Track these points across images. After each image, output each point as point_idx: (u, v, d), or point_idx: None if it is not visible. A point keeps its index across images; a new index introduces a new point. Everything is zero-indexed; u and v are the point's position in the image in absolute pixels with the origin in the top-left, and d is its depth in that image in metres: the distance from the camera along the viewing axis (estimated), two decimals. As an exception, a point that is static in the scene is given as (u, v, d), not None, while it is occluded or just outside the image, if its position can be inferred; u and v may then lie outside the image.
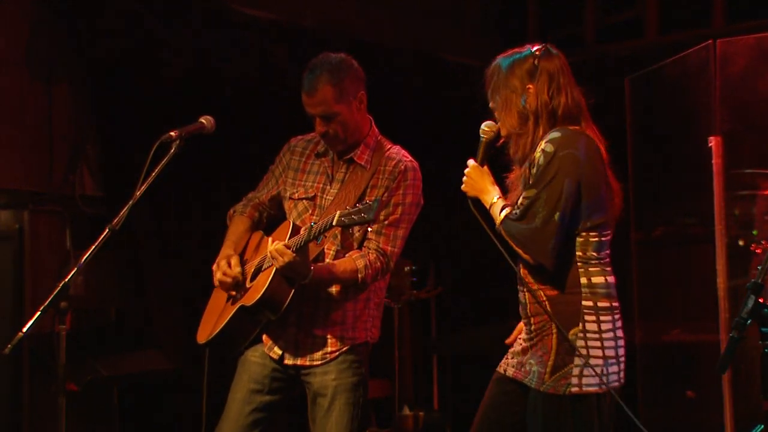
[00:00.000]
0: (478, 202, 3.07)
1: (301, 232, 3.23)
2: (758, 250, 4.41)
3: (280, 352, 3.41)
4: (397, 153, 3.46)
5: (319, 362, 3.38)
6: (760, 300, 2.57)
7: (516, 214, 2.94)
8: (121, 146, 5.05)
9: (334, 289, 3.38)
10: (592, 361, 2.88)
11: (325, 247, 3.37)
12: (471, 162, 3.10)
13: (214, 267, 3.45)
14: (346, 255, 3.36)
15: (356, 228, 3.34)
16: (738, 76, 4.47)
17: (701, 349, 4.83)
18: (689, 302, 5.14)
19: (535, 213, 2.88)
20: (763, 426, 3.44)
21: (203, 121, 3.33)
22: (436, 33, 6.15)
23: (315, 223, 3.19)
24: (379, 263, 3.34)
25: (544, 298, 2.96)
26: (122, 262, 5.12)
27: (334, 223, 3.11)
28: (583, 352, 2.88)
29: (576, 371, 2.88)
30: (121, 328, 5.11)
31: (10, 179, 4.73)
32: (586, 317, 2.92)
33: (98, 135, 5.07)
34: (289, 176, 3.53)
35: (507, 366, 3.09)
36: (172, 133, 3.18)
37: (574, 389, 2.88)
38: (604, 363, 2.91)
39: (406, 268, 5.12)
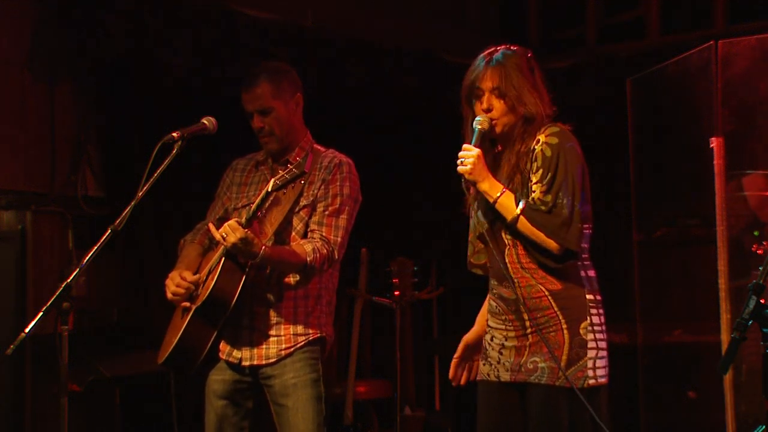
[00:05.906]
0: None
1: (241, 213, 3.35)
2: (759, 251, 4.41)
3: (238, 356, 3.45)
4: (332, 152, 3.57)
5: (275, 359, 3.43)
6: (762, 301, 2.58)
7: (536, 204, 2.92)
8: (124, 147, 5.05)
9: (283, 286, 3.42)
10: (601, 353, 2.97)
11: (266, 240, 3.40)
12: (470, 146, 2.98)
13: (167, 282, 3.45)
14: (292, 243, 3.42)
15: (296, 221, 3.43)
16: (739, 77, 4.46)
17: (703, 349, 4.84)
18: (691, 303, 5.14)
19: (560, 203, 2.90)
20: (764, 426, 3.43)
21: (205, 121, 3.35)
22: (436, 33, 6.14)
23: (252, 202, 3.31)
24: (325, 250, 3.38)
25: (546, 293, 2.97)
26: (124, 262, 5.12)
27: (270, 190, 3.24)
28: (593, 345, 2.95)
29: (590, 364, 2.94)
30: (124, 328, 5.11)
31: (12, 180, 4.72)
32: (591, 311, 2.98)
33: (100, 135, 5.07)
34: (234, 192, 3.63)
35: (499, 372, 3.06)
36: (174, 134, 3.21)
37: (591, 381, 2.94)
38: (607, 354, 3.00)
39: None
